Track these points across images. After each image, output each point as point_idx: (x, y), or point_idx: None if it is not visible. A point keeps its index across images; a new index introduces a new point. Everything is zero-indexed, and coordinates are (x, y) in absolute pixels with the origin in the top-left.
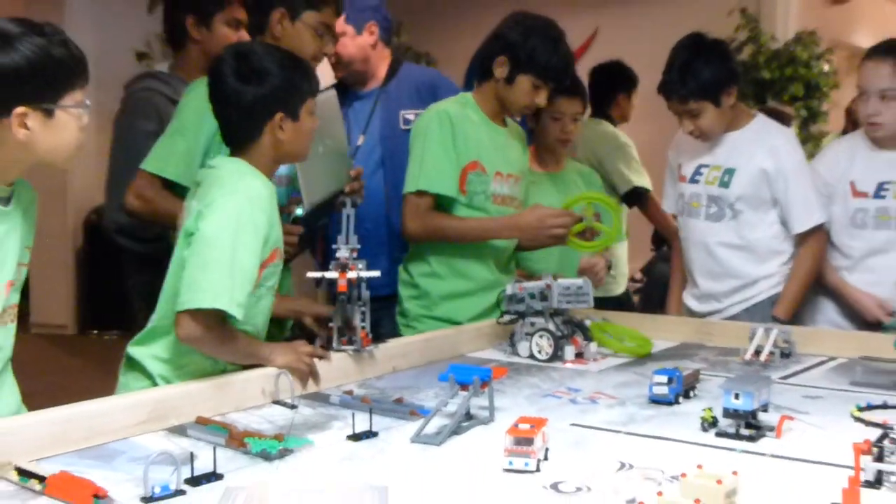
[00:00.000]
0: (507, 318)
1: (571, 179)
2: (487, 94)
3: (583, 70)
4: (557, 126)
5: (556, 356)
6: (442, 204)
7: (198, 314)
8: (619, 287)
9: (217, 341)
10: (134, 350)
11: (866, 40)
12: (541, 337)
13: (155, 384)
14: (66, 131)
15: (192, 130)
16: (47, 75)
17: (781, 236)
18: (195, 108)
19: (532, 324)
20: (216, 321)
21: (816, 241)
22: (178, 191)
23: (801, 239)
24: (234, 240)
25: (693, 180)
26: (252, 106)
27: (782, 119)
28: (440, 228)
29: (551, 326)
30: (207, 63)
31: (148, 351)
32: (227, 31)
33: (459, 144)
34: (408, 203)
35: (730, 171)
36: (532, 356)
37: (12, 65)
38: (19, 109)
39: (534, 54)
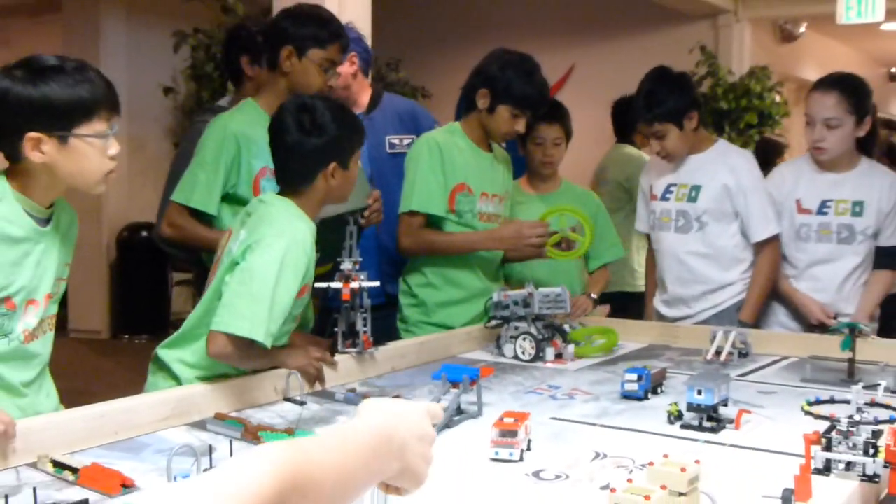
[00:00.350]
0: (493, 322)
1: (564, 200)
2: (473, 123)
3: (569, 102)
4: (540, 150)
5: (538, 357)
6: (433, 221)
7: (233, 337)
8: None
9: (244, 359)
10: (163, 352)
11: (813, 74)
12: (524, 340)
13: (180, 385)
14: (86, 158)
15: (212, 164)
16: (59, 107)
17: (742, 245)
18: (214, 144)
19: (516, 328)
20: (247, 344)
21: (772, 250)
22: (204, 218)
23: (759, 248)
24: (278, 278)
25: (664, 198)
26: (310, 155)
27: (777, 147)
28: (430, 243)
29: (533, 330)
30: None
31: (176, 354)
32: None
33: (447, 169)
34: (402, 222)
35: (696, 188)
36: (516, 357)
37: (26, 95)
38: (31, 134)
39: (510, 86)
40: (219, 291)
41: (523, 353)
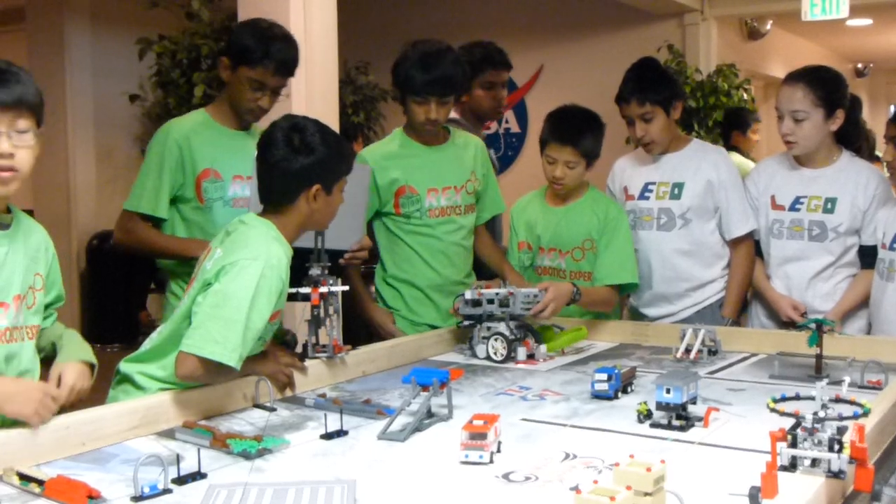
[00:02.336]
0: (467, 323)
1: (579, 214)
2: (410, 125)
3: (537, 102)
4: (550, 169)
5: (510, 357)
6: (388, 227)
7: (203, 360)
8: None
9: (210, 378)
10: (126, 367)
11: (780, 70)
12: (496, 340)
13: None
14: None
15: (156, 169)
16: None
17: (720, 243)
18: (157, 150)
19: (488, 328)
20: (217, 367)
21: (748, 246)
22: (157, 223)
23: (735, 244)
24: (252, 302)
25: (643, 197)
26: (295, 174)
27: (743, 115)
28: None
29: (505, 330)
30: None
31: (140, 368)
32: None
33: (383, 180)
34: None
35: (679, 185)
36: (489, 357)
37: None
38: None
39: (406, 77)
40: (189, 311)
41: (495, 353)
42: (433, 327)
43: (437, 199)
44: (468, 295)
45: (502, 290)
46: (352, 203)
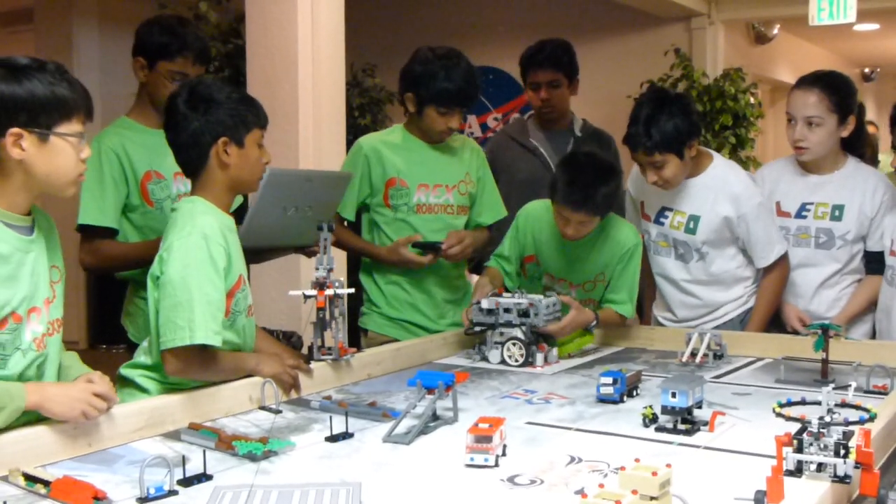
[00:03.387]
0: (478, 329)
1: (592, 250)
2: (412, 124)
3: None
4: (561, 225)
5: (527, 362)
6: (374, 219)
7: (179, 351)
8: None
9: (202, 368)
10: (127, 371)
11: (787, 75)
12: (513, 345)
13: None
14: (62, 156)
15: (97, 181)
16: (42, 104)
17: (744, 264)
18: (94, 163)
19: (501, 333)
20: (197, 352)
21: (780, 270)
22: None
23: (766, 269)
24: (198, 277)
25: (658, 221)
26: (196, 132)
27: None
28: (344, 241)
29: (521, 335)
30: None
31: (140, 371)
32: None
33: (374, 168)
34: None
35: (694, 218)
36: (503, 362)
37: (10, 92)
38: (13, 130)
39: (430, 86)
40: (156, 314)
41: (511, 357)
42: (413, 325)
43: (427, 195)
44: (485, 304)
45: (522, 301)
46: (313, 205)
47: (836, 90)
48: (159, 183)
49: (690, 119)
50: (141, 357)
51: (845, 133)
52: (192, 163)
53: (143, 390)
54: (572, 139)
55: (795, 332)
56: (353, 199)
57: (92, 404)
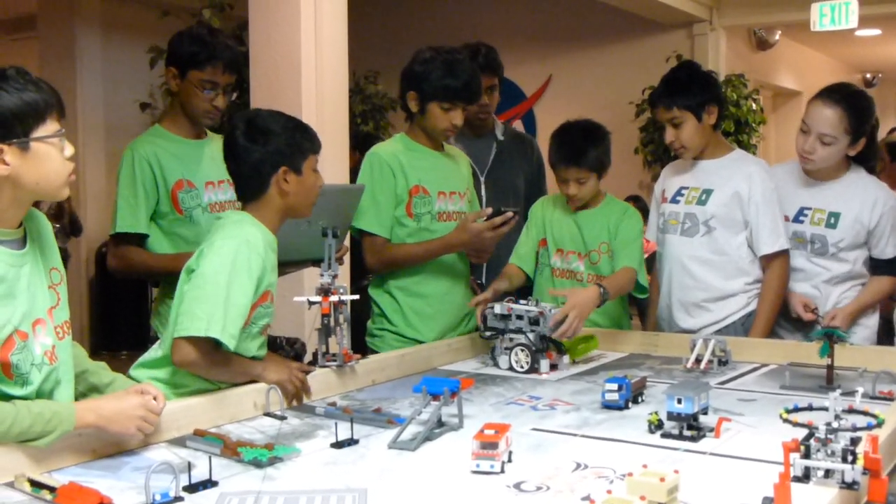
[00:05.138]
0: (489, 334)
1: (595, 218)
2: (416, 128)
3: (546, 112)
4: (563, 188)
5: (533, 368)
6: (395, 231)
7: (192, 341)
8: None
9: (210, 365)
10: (137, 373)
11: (788, 80)
12: (521, 351)
13: None
14: (47, 161)
15: (130, 188)
16: (15, 114)
17: (748, 258)
18: (127, 171)
19: (510, 339)
20: (209, 348)
21: (780, 265)
22: (146, 244)
23: (767, 263)
24: (230, 278)
25: (674, 200)
26: (259, 162)
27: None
28: (393, 259)
29: (528, 341)
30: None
31: (150, 374)
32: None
33: (399, 178)
34: (364, 242)
35: (707, 192)
36: (511, 368)
37: None
38: None
39: (433, 82)
40: (179, 307)
41: (518, 363)
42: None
43: (446, 203)
44: (497, 308)
45: (533, 309)
46: (329, 217)
47: (858, 114)
48: (190, 192)
49: (711, 88)
50: (156, 353)
51: (852, 152)
52: (250, 189)
53: None
54: (495, 143)
55: (800, 321)
56: (388, 212)
57: (146, 419)
